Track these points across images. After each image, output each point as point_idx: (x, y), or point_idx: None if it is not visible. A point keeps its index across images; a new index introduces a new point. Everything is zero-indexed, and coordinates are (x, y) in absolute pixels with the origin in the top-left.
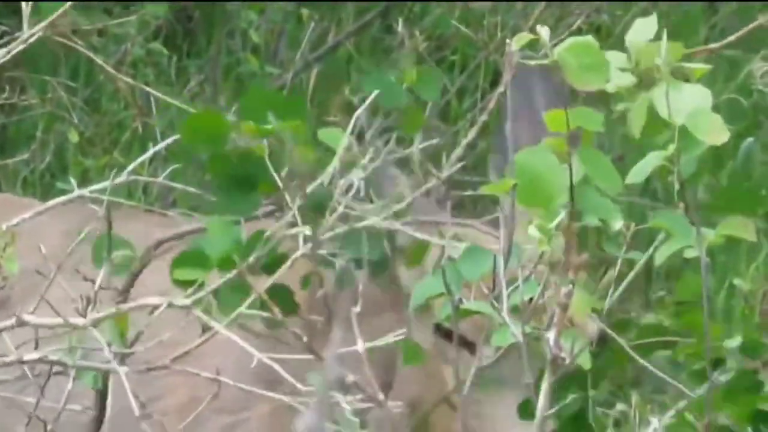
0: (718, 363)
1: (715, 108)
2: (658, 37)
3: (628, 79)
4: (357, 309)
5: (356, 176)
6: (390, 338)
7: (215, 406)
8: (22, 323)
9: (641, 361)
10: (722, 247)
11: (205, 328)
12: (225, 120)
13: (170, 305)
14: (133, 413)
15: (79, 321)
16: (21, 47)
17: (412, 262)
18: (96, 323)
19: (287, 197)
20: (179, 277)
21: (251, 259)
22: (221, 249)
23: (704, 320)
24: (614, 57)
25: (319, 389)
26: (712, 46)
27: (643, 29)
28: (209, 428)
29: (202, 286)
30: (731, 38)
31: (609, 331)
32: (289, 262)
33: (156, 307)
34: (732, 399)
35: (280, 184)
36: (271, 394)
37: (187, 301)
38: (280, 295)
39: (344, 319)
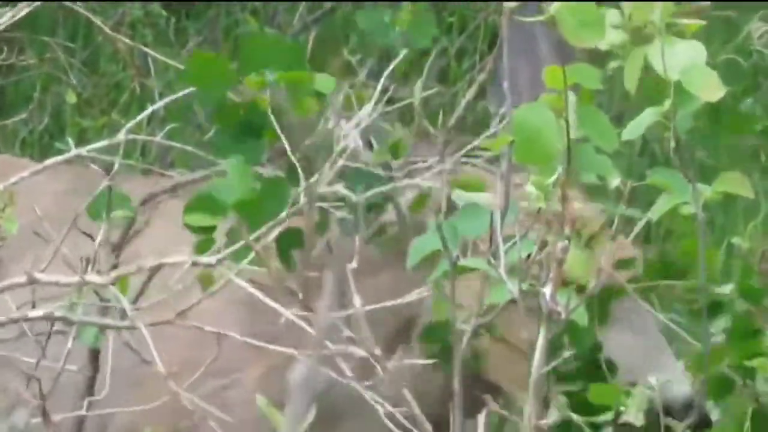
0: (716, 310)
1: (713, 68)
2: None
3: (621, 36)
4: (354, 265)
5: (353, 126)
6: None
7: (208, 369)
8: (33, 281)
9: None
10: (721, 206)
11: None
12: (229, 68)
13: (194, 263)
14: (123, 375)
15: (97, 279)
16: (26, 11)
17: (415, 209)
18: (116, 281)
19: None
20: (191, 222)
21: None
22: (238, 194)
23: (701, 273)
24: (607, 14)
25: (313, 338)
26: (706, 2)
27: None
28: (202, 390)
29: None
30: None
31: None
32: (287, 213)
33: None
34: (731, 345)
35: (281, 134)
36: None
37: (212, 259)
38: (293, 241)
39: (339, 272)
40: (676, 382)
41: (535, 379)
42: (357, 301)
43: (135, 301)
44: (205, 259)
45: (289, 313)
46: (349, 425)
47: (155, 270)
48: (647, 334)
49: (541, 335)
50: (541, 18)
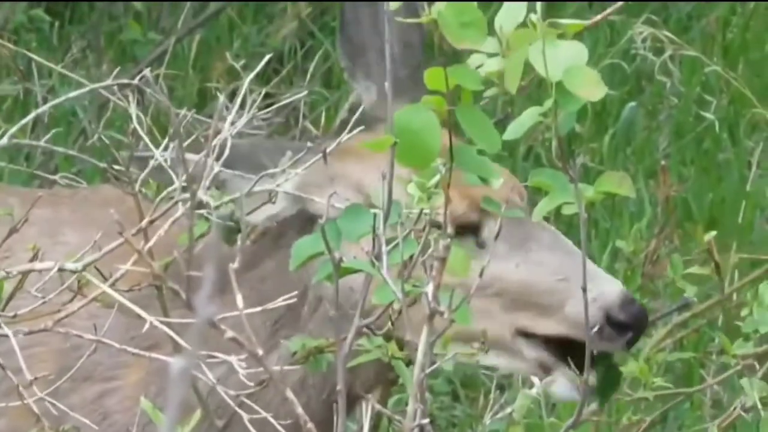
0: None
1: (598, 72)
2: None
3: (499, 64)
4: (235, 265)
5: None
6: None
7: (84, 375)
8: None
9: None
10: (606, 210)
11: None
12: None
13: (61, 269)
14: None
15: None
16: None
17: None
18: None
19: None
20: None
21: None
22: None
23: (584, 280)
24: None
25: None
26: (598, 17)
27: (512, 13)
28: (78, 398)
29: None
30: (617, 5)
31: None
32: (168, 224)
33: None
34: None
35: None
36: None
37: (78, 265)
38: None
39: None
40: (608, 283)
41: (418, 379)
42: (239, 299)
43: (3, 307)
44: (71, 265)
45: (154, 319)
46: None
47: (25, 275)
48: (563, 249)
49: (423, 335)
50: (422, 20)
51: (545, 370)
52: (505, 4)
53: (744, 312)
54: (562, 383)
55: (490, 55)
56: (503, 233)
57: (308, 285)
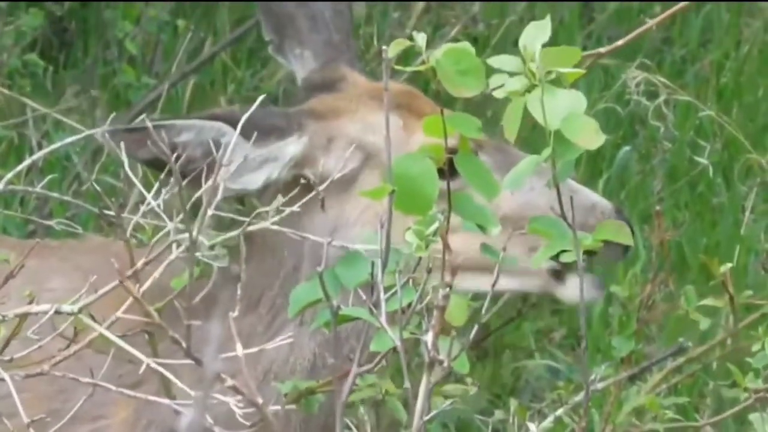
0: None
1: (592, 116)
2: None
3: (522, 83)
4: (235, 313)
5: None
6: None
7: (71, 416)
8: None
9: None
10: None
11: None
12: None
13: (58, 312)
14: None
15: None
16: None
17: None
18: None
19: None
20: None
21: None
22: None
23: (582, 326)
24: (507, 61)
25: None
26: (601, 50)
27: (535, 33)
28: None
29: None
30: (619, 42)
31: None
32: (163, 266)
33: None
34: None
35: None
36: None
37: (74, 308)
38: None
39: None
40: (600, 200)
41: (417, 426)
42: (239, 347)
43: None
44: (67, 307)
45: (150, 361)
46: None
47: (23, 319)
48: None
49: (423, 383)
50: (420, 69)
51: (558, 277)
52: (531, 23)
53: (755, 347)
54: (574, 286)
55: (512, 74)
56: (492, 164)
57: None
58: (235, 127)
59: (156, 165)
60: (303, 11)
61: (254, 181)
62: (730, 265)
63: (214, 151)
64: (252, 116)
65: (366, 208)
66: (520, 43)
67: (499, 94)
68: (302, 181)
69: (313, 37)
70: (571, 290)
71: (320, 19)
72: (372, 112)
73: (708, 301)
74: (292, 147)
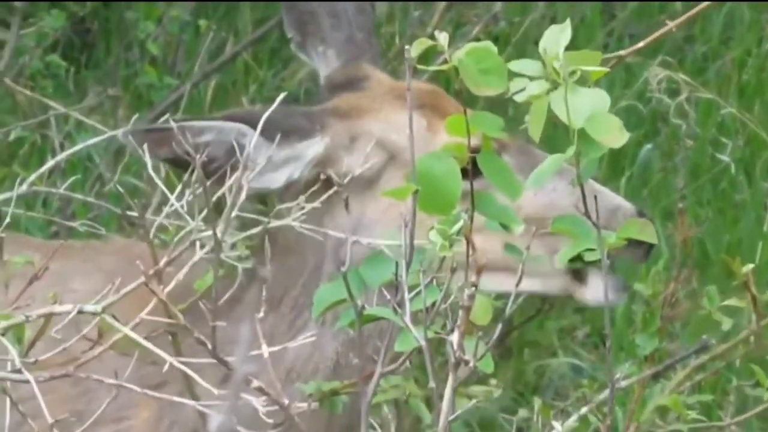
0: None
1: (614, 114)
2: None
3: (543, 87)
4: (261, 314)
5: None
6: (300, 341)
7: (94, 419)
8: None
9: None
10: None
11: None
12: None
13: (81, 312)
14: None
15: None
16: None
17: None
18: (5, 331)
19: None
20: None
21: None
22: None
23: (606, 324)
24: (528, 65)
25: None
26: (622, 52)
27: (556, 36)
28: None
29: None
30: (641, 44)
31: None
32: (187, 267)
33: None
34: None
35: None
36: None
37: (98, 307)
38: None
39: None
40: (622, 200)
41: (442, 426)
42: (264, 347)
43: (26, 353)
44: (91, 307)
45: (173, 360)
46: None
47: (47, 320)
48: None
49: (449, 383)
50: (442, 68)
51: (579, 278)
52: (551, 27)
53: None
54: (596, 287)
55: (532, 78)
56: (514, 165)
57: (324, 255)
58: (255, 128)
59: (177, 164)
60: (326, 9)
61: (276, 180)
62: (752, 265)
63: (237, 151)
64: (273, 116)
65: (389, 207)
66: (540, 47)
67: (519, 98)
68: (322, 177)
69: (335, 35)
70: (591, 292)
71: (343, 16)
72: (396, 111)
73: (731, 302)
74: (314, 147)
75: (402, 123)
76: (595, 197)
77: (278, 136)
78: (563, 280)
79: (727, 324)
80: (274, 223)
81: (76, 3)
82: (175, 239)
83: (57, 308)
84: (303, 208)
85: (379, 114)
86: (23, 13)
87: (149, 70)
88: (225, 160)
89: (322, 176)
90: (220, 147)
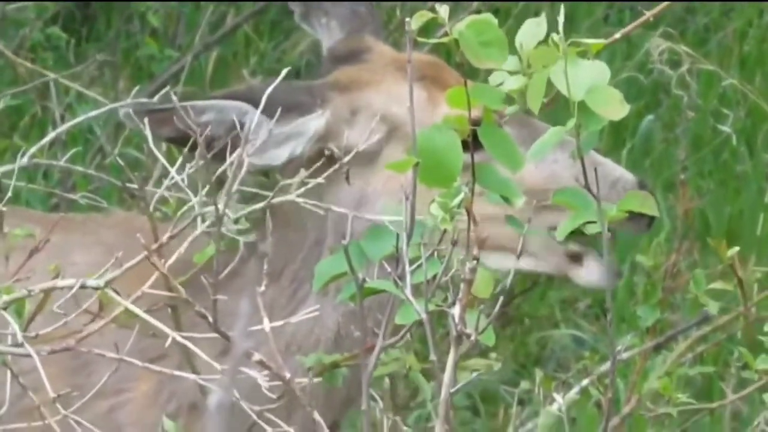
0: None
1: (615, 86)
2: (547, 36)
3: (521, 81)
4: (262, 288)
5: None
6: (303, 315)
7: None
8: None
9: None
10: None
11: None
12: None
13: (83, 286)
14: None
15: None
16: None
17: None
18: (6, 305)
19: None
20: None
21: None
22: None
23: (608, 296)
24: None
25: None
26: (625, 29)
27: (532, 30)
28: (90, 414)
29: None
30: (644, 18)
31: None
32: (188, 241)
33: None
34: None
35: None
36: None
37: (100, 282)
38: None
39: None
40: (622, 171)
41: (444, 399)
42: (266, 321)
43: (25, 328)
44: (93, 281)
45: (175, 334)
46: None
47: (48, 295)
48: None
49: (451, 356)
50: (443, 40)
51: (575, 259)
52: (527, 21)
53: (767, 327)
54: (593, 268)
55: (511, 73)
56: (515, 136)
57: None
58: (256, 106)
59: (179, 142)
60: None
61: (278, 156)
62: (737, 248)
63: (239, 129)
64: (274, 93)
65: (389, 179)
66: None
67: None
68: (326, 152)
69: (338, 7)
70: (586, 274)
71: None
72: (397, 83)
73: (716, 285)
74: (315, 122)
75: (403, 95)
76: (596, 169)
77: (278, 113)
78: (559, 260)
79: (713, 307)
80: (277, 199)
81: None
82: (178, 214)
83: (59, 282)
84: (306, 183)
85: (379, 86)
86: None
87: (150, 42)
88: (227, 138)
89: (326, 152)
90: (221, 126)
